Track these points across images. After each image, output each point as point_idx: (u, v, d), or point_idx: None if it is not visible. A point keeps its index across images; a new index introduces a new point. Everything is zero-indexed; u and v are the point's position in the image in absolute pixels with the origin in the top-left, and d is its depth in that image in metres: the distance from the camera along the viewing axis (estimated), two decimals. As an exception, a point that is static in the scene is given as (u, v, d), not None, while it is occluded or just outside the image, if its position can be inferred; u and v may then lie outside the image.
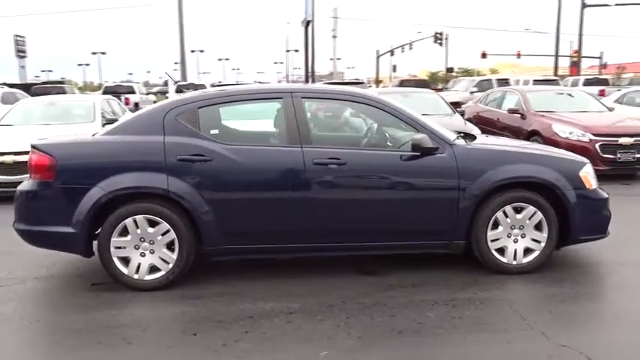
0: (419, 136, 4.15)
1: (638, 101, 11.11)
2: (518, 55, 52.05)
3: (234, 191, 4.12)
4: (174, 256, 4.09)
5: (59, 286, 4.28)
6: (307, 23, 27.02)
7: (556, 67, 33.85)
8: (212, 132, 4.28)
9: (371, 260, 4.62)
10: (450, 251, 4.38)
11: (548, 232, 4.32)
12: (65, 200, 4.07)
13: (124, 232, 4.06)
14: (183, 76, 31.68)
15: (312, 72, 28.81)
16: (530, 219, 4.31)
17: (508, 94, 10.77)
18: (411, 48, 52.35)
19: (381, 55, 56.44)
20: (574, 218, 4.32)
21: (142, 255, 4.09)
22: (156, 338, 3.39)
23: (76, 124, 8.50)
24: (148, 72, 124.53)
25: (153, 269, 4.11)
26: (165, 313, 3.76)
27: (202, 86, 21.50)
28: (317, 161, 4.11)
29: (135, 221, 4.04)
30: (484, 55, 50.89)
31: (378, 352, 3.17)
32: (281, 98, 4.31)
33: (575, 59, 38.17)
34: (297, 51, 67.70)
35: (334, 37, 65.86)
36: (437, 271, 4.42)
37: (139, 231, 4.05)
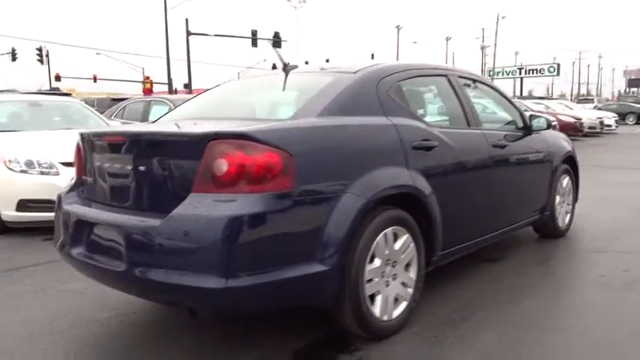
0: (544, 116, 4.36)
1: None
2: (95, 79, 51.22)
3: (456, 183, 3.36)
4: (413, 275, 3.06)
5: None
6: None
7: (170, 91, 34.72)
8: (419, 112, 3.35)
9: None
10: (537, 224, 4.69)
11: (574, 195, 5.19)
12: (305, 221, 2.49)
13: (372, 255, 2.78)
14: None
15: None
16: (568, 187, 5.07)
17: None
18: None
19: None
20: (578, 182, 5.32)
21: (387, 284, 2.89)
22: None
23: None
24: None
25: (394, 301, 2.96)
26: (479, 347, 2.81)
27: None
28: (494, 143, 3.79)
29: (385, 237, 2.82)
30: (58, 78, 48.05)
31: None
32: (445, 76, 3.72)
33: (147, 84, 41.07)
34: None
35: None
36: (519, 247, 4.68)
37: (387, 251, 2.85)
